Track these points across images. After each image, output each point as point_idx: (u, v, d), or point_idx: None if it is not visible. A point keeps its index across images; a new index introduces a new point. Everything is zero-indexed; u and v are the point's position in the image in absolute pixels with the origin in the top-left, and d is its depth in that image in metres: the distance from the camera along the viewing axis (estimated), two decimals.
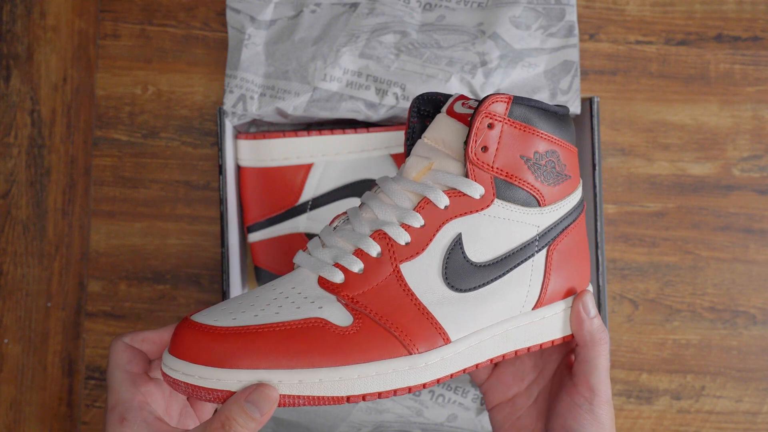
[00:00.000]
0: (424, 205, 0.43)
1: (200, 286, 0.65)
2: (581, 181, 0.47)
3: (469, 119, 0.44)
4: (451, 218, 0.43)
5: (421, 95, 0.47)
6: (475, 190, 0.43)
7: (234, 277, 0.59)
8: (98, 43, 0.66)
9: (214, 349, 0.39)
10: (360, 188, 0.59)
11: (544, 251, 0.45)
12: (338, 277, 0.42)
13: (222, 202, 0.57)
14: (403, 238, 0.42)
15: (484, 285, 0.44)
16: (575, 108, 0.58)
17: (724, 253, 0.65)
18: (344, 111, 0.58)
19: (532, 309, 0.45)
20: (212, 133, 0.66)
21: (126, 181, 0.65)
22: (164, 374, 0.40)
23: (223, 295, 0.57)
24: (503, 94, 0.43)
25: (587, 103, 0.58)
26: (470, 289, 0.43)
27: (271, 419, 0.58)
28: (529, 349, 0.46)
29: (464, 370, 0.44)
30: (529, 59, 0.58)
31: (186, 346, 0.39)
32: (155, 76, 0.66)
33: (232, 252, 0.58)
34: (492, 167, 0.43)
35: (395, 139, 0.59)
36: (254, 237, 0.61)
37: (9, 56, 0.66)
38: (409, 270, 0.42)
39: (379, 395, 0.41)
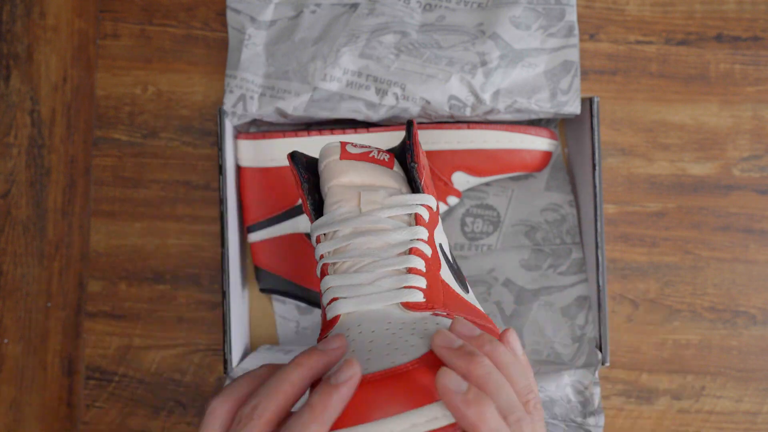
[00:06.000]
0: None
1: (200, 286, 0.65)
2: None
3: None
4: None
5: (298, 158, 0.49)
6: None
7: (234, 277, 0.59)
8: (98, 43, 0.66)
9: None
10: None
11: None
12: None
13: (222, 202, 0.57)
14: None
15: None
16: (575, 108, 0.58)
17: (724, 253, 0.65)
18: (344, 111, 0.58)
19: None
20: (212, 133, 0.65)
21: (126, 181, 0.65)
22: None
23: (224, 295, 0.57)
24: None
25: (587, 103, 0.58)
26: None
27: None
28: None
29: None
30: (529, 59, 0.58)
31: None
32: (155, 76, 0.66)
33: (232, 252, 0.58)
34: None
35: (395, 139, 0.59)
36: (254, 237, 0.61)
37: (9, 56, 0.66)
38: None
39: None
